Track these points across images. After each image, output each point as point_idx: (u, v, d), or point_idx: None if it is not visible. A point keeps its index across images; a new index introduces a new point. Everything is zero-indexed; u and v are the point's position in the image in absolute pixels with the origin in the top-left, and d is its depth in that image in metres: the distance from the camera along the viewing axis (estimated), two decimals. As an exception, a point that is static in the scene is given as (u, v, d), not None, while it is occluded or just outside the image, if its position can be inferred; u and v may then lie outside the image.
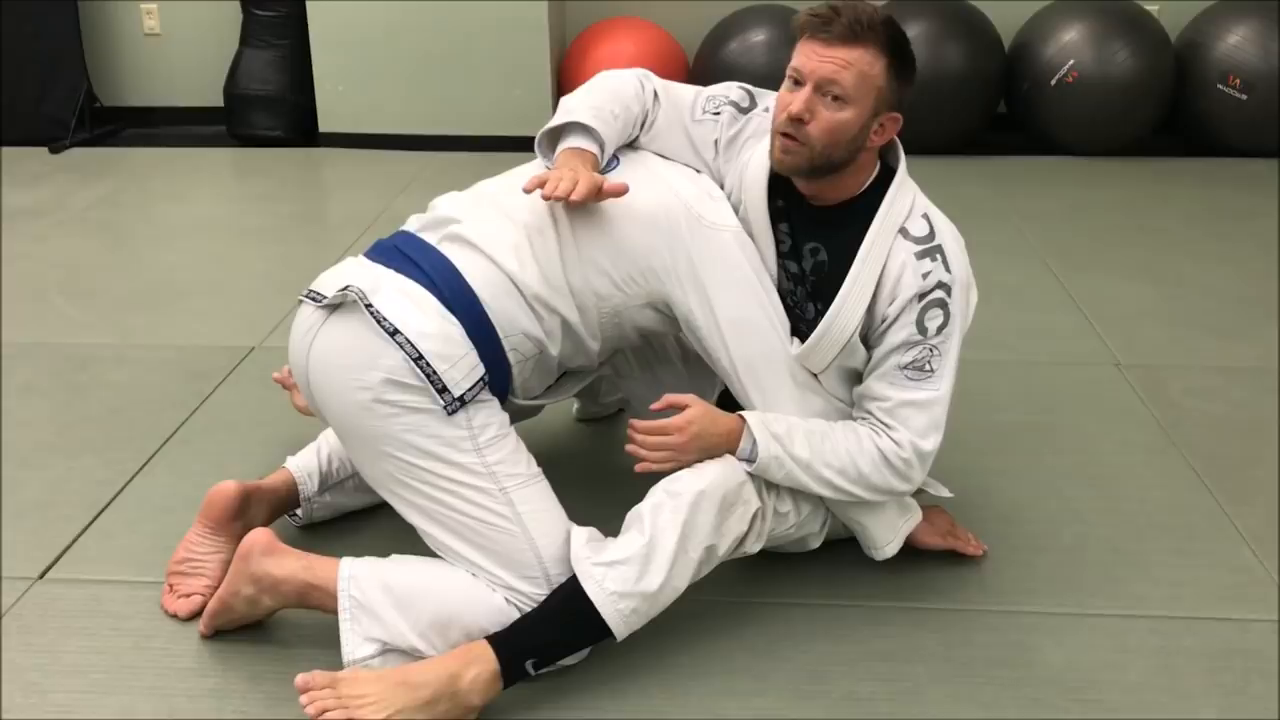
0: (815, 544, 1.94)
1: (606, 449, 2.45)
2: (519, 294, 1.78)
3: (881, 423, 1.81)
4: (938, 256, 1.78)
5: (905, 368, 1.78)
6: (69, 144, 5.02)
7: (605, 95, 1.91)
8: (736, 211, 1.88)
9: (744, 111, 1.91)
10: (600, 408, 2.50)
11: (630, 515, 1.77)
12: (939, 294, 1.77)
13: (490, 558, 1.72)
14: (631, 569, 1.69)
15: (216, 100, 5.22)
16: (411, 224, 1.89)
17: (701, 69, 4.93)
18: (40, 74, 5.06)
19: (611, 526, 1.79)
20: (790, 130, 1.74)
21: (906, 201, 1.82)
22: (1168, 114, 4.80)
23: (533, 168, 1.94)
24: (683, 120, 1.93)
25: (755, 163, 1.86)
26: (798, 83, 1.74)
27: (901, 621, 1.90)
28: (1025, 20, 4.92)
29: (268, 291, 3.28)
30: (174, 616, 1.90)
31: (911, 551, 2.00)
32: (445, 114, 4.97)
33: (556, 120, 1.88)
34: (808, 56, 1.73)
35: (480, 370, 1.74)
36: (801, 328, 1.86)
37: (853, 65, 1.70)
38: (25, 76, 5.05)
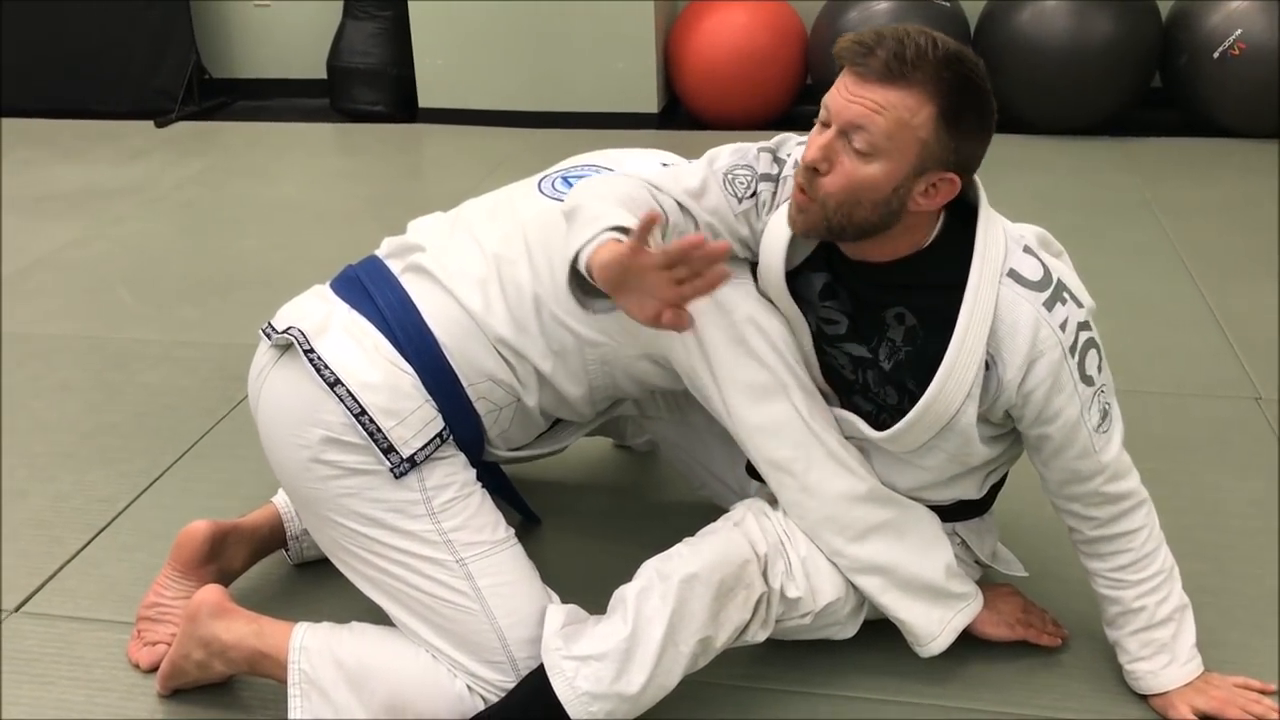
0: (846, 634, 1.65)
1: (647, 483, 2.20)
2: (483, 337, 1.54)
3: (1116, 497, 1.54)
4: (1066, 296, 1.47)
5: (1098, 428, 1.50)
6: (175, 117, 5.00)
7: (622, 198, 1.44)
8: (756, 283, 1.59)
9: (776, 180, 1.56)
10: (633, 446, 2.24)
11: (615, 596, 1.52)
12: (1085, 335, 1.48)
13: (448, 639, 1.50)
14: (609, 666, 1.44)
15: (324, 73, 5.11)
16: (383, 247, 1.66)
17: (820, 41, 4.57)
18: (152, 46, 5.05)
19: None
20: (803, 182, 1.42)
21: (999, 236, 1.48)
22: (1353, 91, 4.21)
23: (524, 186, 1.69)
24: (727, 223, 1.56)
25: (772, 228, 1.54)
26: (826, 125, 1.42)
27: (948, 726, 1.60)
28: (1187, -16, 4.39)
29: (326, 284, 3.14)
30: (136, 667, 1.75)
31: (976, 639, 1.69)
32: (545, 89, 4.74)
33: (582, 234, 1.36)
34: (839, 92, 1.39)
35: (437, 425, 1.51)
36: (885, 412, 1.56)
37: (887, 110, 1.35)
38: (137, 49, 5.04)
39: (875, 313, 1.53)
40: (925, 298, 1.50)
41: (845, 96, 1.38)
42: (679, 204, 1.52)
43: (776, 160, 1.57)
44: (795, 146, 1.57)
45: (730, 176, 1.55)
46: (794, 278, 1.56)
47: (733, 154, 1.57)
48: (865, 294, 1.53)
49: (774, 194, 1.55)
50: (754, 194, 1.55)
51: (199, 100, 5.12)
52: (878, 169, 1.38)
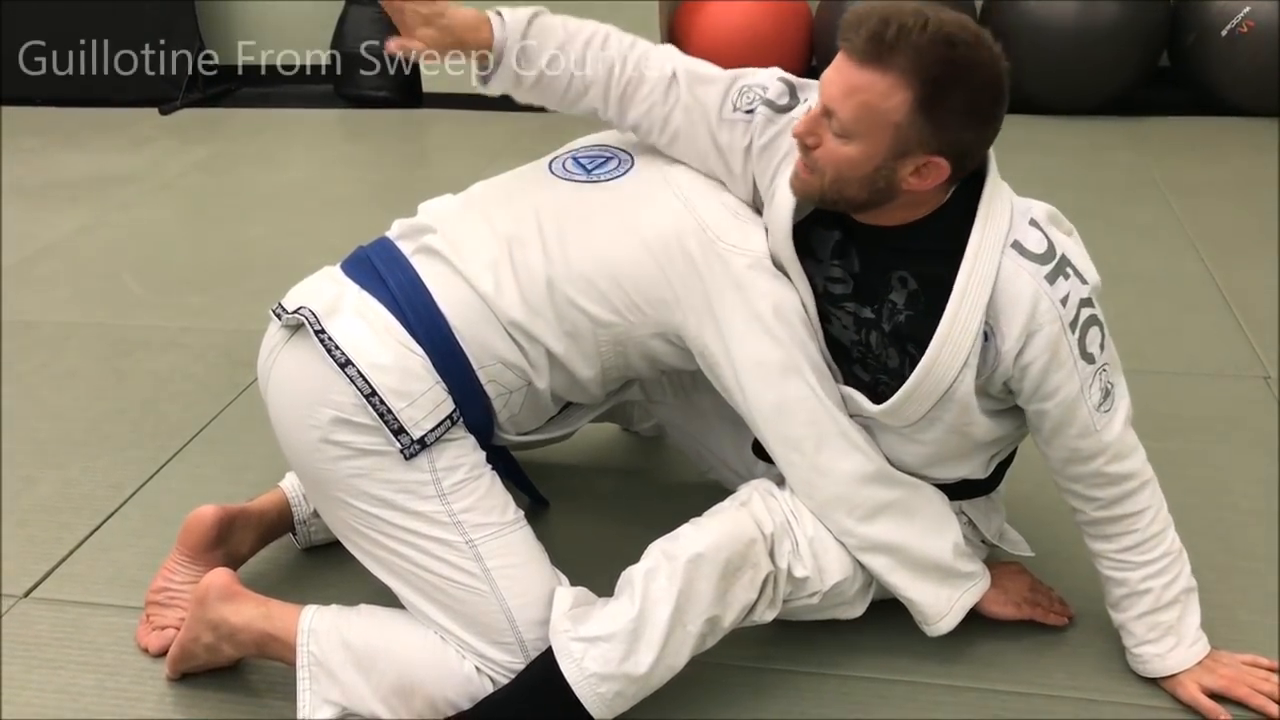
0: (854, 613, 1.65)
1: (655, 466, 2.20)
2: (495, 319, 1.53)
3: (1119, 478, 1.53)
4: (1069, 271, 1.46)
5: (1099, 406, 1.49)
6: (180, 104, 4.99)
7: (594, 30, 1.65)
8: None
9: (781, 110, 1.56)
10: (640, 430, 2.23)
11: (622, 578, 1.52)
12: (1087, 311, 1.46)
13: (457, 620, 1.50)
14: (616, 647, 1.44)
15: (328, 59, 5.09)
16: (394, 229, 1.66)
17: (825, 25, 4.55)
18: (156, 33, 5.04)
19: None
20: (801, 153, 1.45)
21: (1005, 207, 1.48)
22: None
23: (535, 167, 1.69)
24: (707, 119, 1.59)
25: (785, 184, 1.54)
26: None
27: (957, 705, 1.60)
28: (1194, -39, 4.35)
29: (332, 270, 3.14)
30: (145, 651, 1.75)
31: (983, 618, 1.69)
32: (550, 73, 4.71)
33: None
34: (828, 71, 1.41)
35: (448, 407, 1.51)
36: (883, 380, 1.56)
37: (857, 94, 1.35)
38: (141, 37, 5.02)
39: (880, 275, 1.53)
40: (929, 263, 1.49)
41: (830, 75, 1.40)
42: (674, 72, 1.60)
43: (792, 91, 1.58)
44: (815, 95, 1.57)
45: (743, 88, 1.59)
46: (806, 230, 1.56)
47: (759, 74, 1.61)
48: (872, 255, 1.53)
49: (769, 121, 1.57)
50: (750, 110, 1.57)
51: (203, 87, 5.10)
52: (854, 150, 1.39)
